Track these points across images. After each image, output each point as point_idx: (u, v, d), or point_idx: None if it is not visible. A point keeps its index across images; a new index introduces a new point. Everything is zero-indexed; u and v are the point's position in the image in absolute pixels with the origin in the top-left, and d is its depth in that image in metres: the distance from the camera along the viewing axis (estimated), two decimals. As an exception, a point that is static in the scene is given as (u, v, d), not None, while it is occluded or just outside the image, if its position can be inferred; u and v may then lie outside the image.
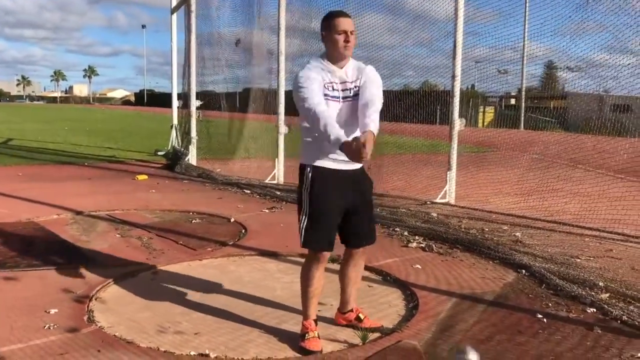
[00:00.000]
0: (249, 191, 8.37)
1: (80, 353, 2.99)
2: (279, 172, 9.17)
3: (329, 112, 2.91)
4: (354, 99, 3.05)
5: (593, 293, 3.92)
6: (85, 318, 3.50)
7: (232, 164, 11.06)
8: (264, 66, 10.88)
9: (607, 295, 3.88)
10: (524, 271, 4.49)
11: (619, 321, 3.50)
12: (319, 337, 3.11)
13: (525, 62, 9.11)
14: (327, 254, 3.13)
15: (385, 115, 9.53)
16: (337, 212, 3.10)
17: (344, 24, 2.98)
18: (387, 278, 4.40)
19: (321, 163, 3.06)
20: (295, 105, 3.08)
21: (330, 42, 3.01)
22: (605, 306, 3.69)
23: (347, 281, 3.37)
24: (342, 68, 3.06)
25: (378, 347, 3.13)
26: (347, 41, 2.97)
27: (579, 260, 4.78)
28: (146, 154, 13.83)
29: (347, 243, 3.26)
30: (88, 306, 3.72)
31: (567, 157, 10.48)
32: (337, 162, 3.04)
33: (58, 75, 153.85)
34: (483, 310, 3.68)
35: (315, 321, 3.18)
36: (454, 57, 7.24)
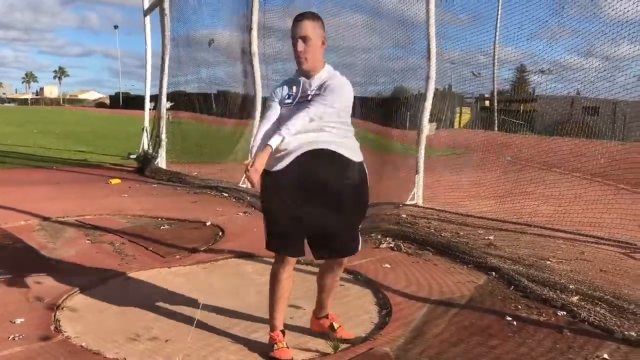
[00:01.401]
0: (226, 194, 8.30)
1: (45, 364, 2.92)
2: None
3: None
4: (303, 104, 2.86)
5: (563, 296, 3.97)
6: (52, 328, 3.42)
7: (205, 167, 10.96)
8: (237, 68, 10.84)
9: (577, 297, 3.93)
10: (494, 274, 4.52)
11: (587, 323, 3.55)
12: (287, 347, 3.08)
13: (497, 65, 9.22)
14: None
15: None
16: None
17: (295, 30, 2.81)
18: (359, 279, 4.40)
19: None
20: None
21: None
22: (575, 309, 3.74)
23: (322, 286, 3.32)
24: (309, 78, 2.94)
25: (350, 354, 3.12)
26: (297, 52, 2.82)
27: (549, 262, 4.83)
28: (119, 157, 13.63)
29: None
30: (55, 315, 3.64)
31: (540, 160, 10.63)
32: None
33: (29, 77, 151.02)
34: (455, 314, 3.70)
35: (283, 332, 3.13)
36: (428, 58, 7.26)
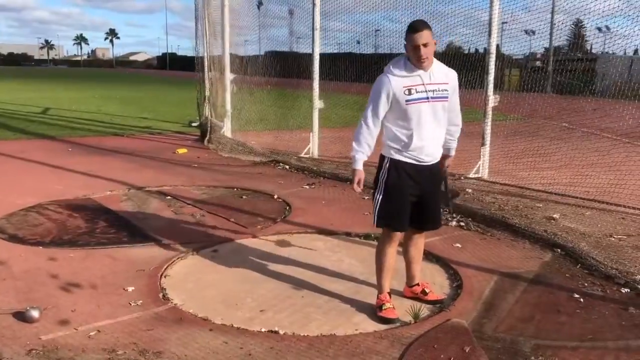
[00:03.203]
0: (287, 166, 8.66)
1: (163, 329, 3.36)
2: (314, 146, 9.44)
3: (373, 133, 3.42)
4: (444, 100, 3.38)
5: (627, 273, 4.18)
6: (160, 295, 3.87)
7: (265, 136, 11.33)
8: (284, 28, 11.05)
9: (640, 275, 4.13)
10: (559, 250, 4.74)
11: (651, 301, 3.77)
12: (394, 308, 3.54)
13: (554, 20, 9.05)
14: (399, 234, 3.59)
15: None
16: (408, 198, 3.49)
17: (418, 39, 3.21)
18: (430, 257, 4.69)
19: (399, 157, 3.43)
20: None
21: (409, 52, 3.30)
22: (639, 286, 3.95)
23: (409, 259, 3.80)
24: (426, 70, 3.32)
25: (429, 325, 3.44)
26: (420, 56, 3.23)
27: (612, 239, 5.01)
28: (180, 124, 14.18)
29: (413, 225, 3.59)
30: (160, 283, 4.09)
31: (603, 126, 10.48)
32: (416, 159, 3.43)
33: (80, 39, 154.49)
34: (523, 290, 3.97)
35: (389, 293, 3.62)
36: (489, 34, 7.31)
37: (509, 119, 9.73)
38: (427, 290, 3.82)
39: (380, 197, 3.47)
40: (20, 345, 3.12)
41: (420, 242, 3.79)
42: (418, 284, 3.85)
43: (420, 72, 3.31)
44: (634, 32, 6.58)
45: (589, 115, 11.26)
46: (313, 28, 9.23)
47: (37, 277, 4.13)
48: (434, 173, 3.53)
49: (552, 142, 9.13)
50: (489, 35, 7.25)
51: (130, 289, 3.94)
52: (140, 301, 3.73)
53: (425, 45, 3.21)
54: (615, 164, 7.36)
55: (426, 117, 3.33)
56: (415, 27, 3.23)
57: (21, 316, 3.41)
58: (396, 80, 3.29)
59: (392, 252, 3.60)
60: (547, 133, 10.45)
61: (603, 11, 7.03)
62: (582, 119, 11.59)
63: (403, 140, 3.37)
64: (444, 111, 3.41)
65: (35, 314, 3.39)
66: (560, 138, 9.93)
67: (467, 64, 9.41)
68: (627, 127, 8.70)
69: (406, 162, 3.41)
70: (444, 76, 3.39)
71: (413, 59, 3.27)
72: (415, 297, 3.81)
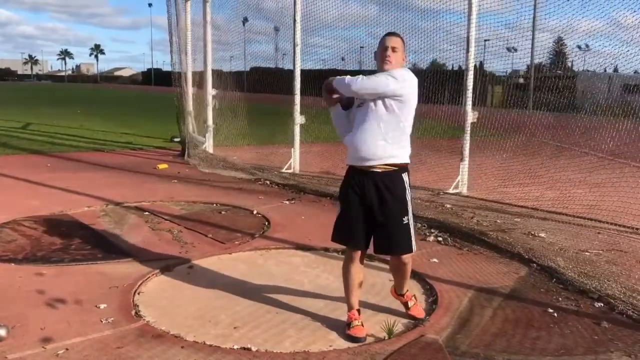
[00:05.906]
0: (268, 182, 8.64)
1: (134, 347, 3.30)
2: (295, 162, 9.44)
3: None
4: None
5: (600, 287, 4.20)
6: (133, 312, 3.81)
7: (247, 151, 11.31)
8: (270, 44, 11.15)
9: (614, 290, 4.16)
10: (535, 265, 4.77)
11: (624, 315, 3.79)
12: (362, 325, 3.48)
13: (535, 38, 9.19)
14: (357, 251, 3.49)
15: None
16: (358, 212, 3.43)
17: (388, 41, 3.38)
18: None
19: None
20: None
21: (377, 57, 3.42)
22: (612, 301, 3.97)
23: (393, 277, 3.84)
24: None
25: (403, 341, 3.43)
26: (385, 56, 3.34)
27: (587, 254, 5.05)
28: (162, 140, 14.11)
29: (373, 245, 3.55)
30: (133, 300, 4.03)
31: (582, 144, 10.63)
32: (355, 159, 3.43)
33: (65, 54, 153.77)
34: (498, 305, 3.97)
35: (358, 310, 3.56)
36: (467, 51, 7.40)
37: (489, 135, 9.82)
38: (410, 304, 3.80)
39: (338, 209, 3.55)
40: (-14, 364, 3.05)
41: (398, 266, 3.64)
42: (403, 295, 3.82)
43: None
44: (613, 50, 6.72)
45: (570, 134, 11.41)
46: (294, 44, 9.29)
47: (7, 294, 4.06)
48: (381, 182, 3.37)
49: (532, 159, 9.24)
50: (467, 51, 7.34)
51: (102, 306, 3.88)
52: (112, 318, 3.67)
53: (393, 49, 3.35)
54: (596, 184, 7.42)
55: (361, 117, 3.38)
56: (390, 32, 3.45)
57: (-12, 335, 3.34)
58: None
59: (354, 269, 3.52)
60: (528, 150, 10.55)
61: (582, 30, 7.19)
62: (563, 136, 11.75)
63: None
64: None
65: (2, 332, 3.32)
66: (539, 154, 10.04)
67: (450, 81, 9.51)
68: (607, 149, 8.83)
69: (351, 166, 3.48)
70: None
71: (379, 61, 3.38)
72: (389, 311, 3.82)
